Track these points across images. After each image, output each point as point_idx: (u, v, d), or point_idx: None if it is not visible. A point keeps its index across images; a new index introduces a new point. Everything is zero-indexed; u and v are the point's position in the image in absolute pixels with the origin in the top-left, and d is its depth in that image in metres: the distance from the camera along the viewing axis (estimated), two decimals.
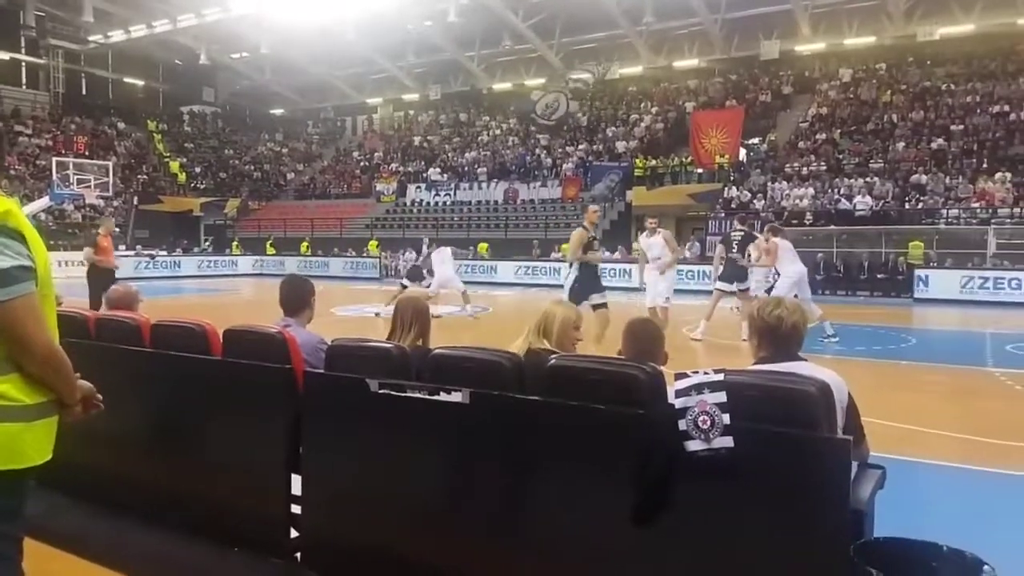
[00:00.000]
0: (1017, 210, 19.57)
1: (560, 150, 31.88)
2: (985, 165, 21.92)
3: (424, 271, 15.08)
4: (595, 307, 8.26)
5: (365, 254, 28.25)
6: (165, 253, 28.28)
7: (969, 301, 16.49)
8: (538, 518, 2.59)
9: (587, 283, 8.31)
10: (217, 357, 3.49)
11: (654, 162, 28.34)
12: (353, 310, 14.90)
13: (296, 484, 3.16)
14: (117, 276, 9.97)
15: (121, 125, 36.68)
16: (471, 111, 37.88)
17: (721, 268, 10.48)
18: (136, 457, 3.69)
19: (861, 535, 2.22)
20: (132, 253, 25.94)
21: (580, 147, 31.48)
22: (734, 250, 10.19)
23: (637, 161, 28.49)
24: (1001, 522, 4.04)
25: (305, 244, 30.22)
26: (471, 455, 2.75)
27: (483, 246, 25.78)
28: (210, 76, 39.82)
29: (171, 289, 20.67)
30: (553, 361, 2.63)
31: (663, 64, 31.08)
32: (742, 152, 26.96)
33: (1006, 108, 23.77)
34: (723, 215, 23.74)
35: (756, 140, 27.67)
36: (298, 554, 3.16)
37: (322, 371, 3.18)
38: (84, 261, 10.25)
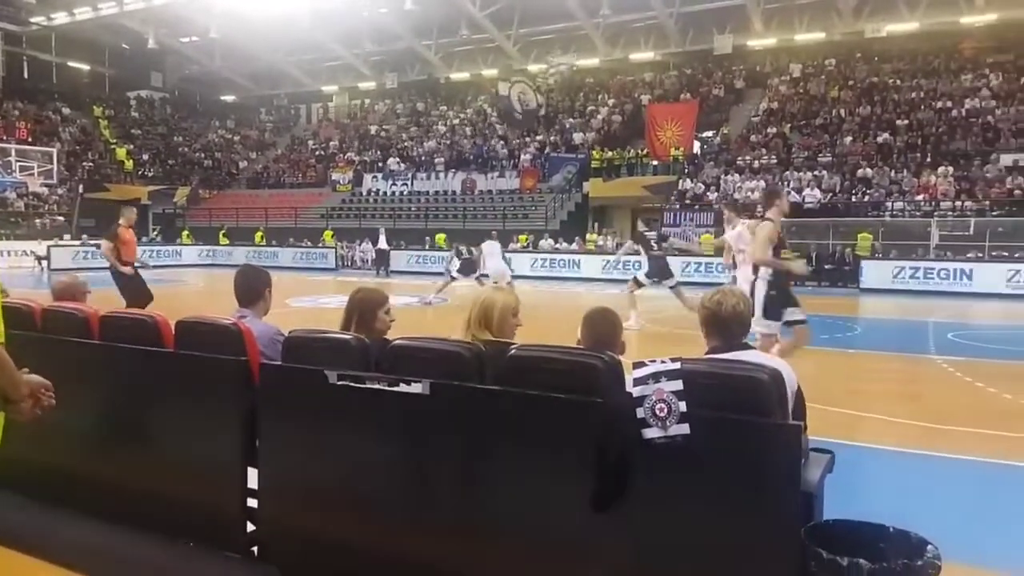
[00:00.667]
0: (959, 203, 20.29)
1: (517, 141, 31.90)
2: (928, 159, 22.68)
3: (477, 265, 15.09)
4: (792, 324, 6.33)
5: (321, 244, 27.88)
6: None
7: (913, 291, 17.07)
8: (499, 507, 2.60)
9: (783, 293, 6.28)
10: (169, 350, 3.41)
11: (611, 154, 28.58)
12: (308, 301, 14.70)
13: (253, 477, 3.12)
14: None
15: (66, 110, 35.44)
16: (428, 100, 37.59)
17: (647, 266, 10.41)
18: (87, 453, 3.59)
19: (812, 517, 2.30)
20: (78, 243, 25.14)
21: (538, 138, 31.55)
22: (654, 248, 10.15)
23: (594, 153, 28.70)
24: (943, 503, 4.21)
25: (260, 234, 29.69)
26: (432, 445, 2.75)
27: (441, 237, 25.68)
28: (158, 61, 38.69)
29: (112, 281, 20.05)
30: (514, 351, 2.64)
31: (619, 57, 31.29)
32: (696, 145, 27.37)
33: (948, 104, 24.60)
34: (678, 207, 24.11)
35: (710, 133, 28.12)
36: (255, 548, 3.12)
37: (279, 363, 3.14)
38: (105, 258, 9.17)
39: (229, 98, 42.41)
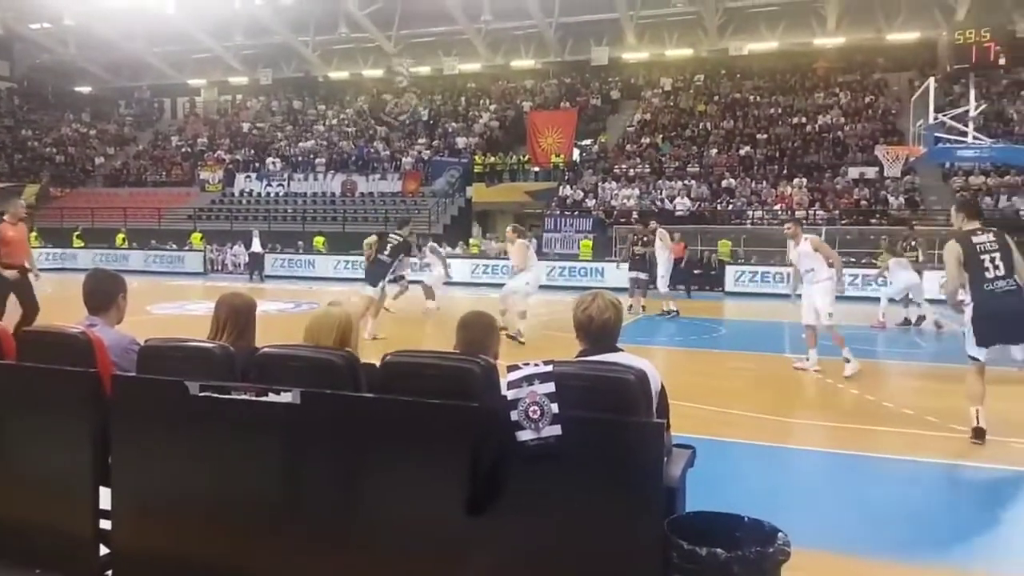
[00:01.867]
0: (812, 212, 21.98)
1: (399, 143, 31.59)
2: (785, 171, 24.48)
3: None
4: None
5: (188, 247, 26.39)
6: None
7: (771, 294, 18.29)
8: (374, 515, 2.56)
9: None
10: (11, 361, 3.15)
11: (493, 159, 28.87)
12: (174, 308, 13.84)
13: (105, 498, 2.91)
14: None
15: None
16: (306, 99, 36.49)
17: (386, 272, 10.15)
18: None
19: (674, 511, 2.41)
20: None
21: (420, 141, 31.38)
22: (385, 252, 9.93)
23: (476, 158, 28.89)
24: (796, 492, 4.54)
25: (121, 236, 27.65)
26: (303, 457, 2.66)
27: (319, 239, 24.99)
28: (5, 48, 35.51)
29: None
30: (388, 358, 2.61)
31: (501, 63, 31.67)
32: (575, 152, 28.16)
33: (803, 120, 26.68)
34: (558, 212, 24.68)
35: (588, 141, 29.02)
36: (109, 573, 2.92)
37: (133, 374, 2.95)
38: None
39: (85, 89, 39.31)
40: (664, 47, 28.97)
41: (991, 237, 5.29)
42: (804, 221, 21.29)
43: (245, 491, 2.72)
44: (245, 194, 31.10)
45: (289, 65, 34.27)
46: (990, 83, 23.76)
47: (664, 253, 13.24)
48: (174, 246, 26.65)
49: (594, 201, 24.96)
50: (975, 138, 11.73)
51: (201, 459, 2.78)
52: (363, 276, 10.62)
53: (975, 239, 5.25)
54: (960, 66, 11.26)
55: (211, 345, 2.90)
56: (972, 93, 11.87)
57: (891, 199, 21.96)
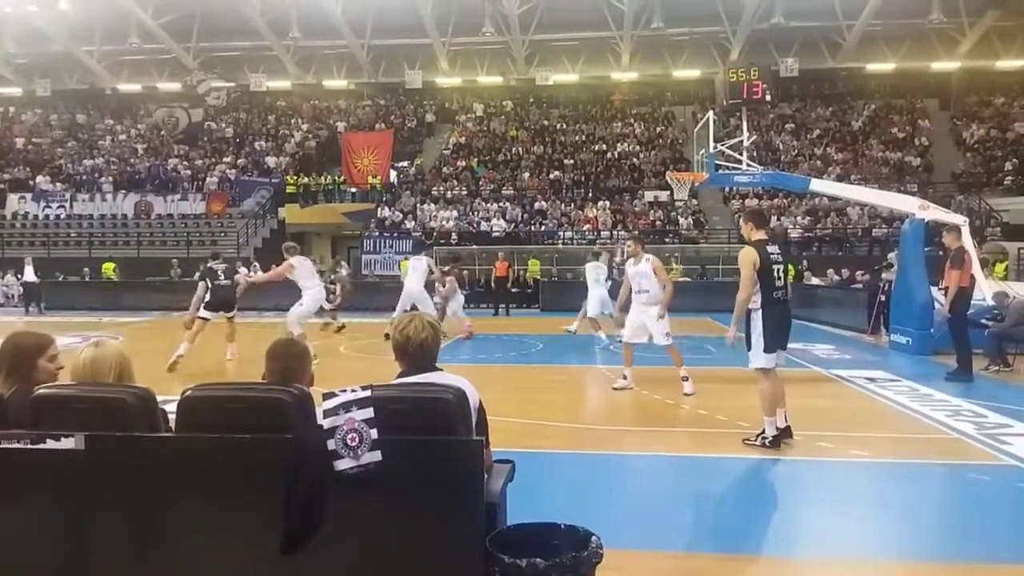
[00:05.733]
0: (615, 232, 23.55)
1: (201, 162, 29.65)
2: (590, 195, 26.08)
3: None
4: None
5: None
6: None
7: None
8: (178, 568, 2.36)
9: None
10: None
11: (307, 179, 27.98)
12: None
13: None
14: None
15: None
16: (91, 112, 33.19)
17: (208, 298, 10.00)
18: None
19: (496, 525, 2.46)
20: None
21: (225, 160, 29.66)
22: (220, 278, 9.98)
23: (288, 178, 27.85)
24: (610, 495, 4.79)
25: None
26: (93, 507, 2.39)
27: (109, 266, 22.71)
28: None
29: None
30: (188, 393, 2.42)
31: (312, 82, 30.83)
32: (392, 174, 28.05)
33: (604, 147, 28.59)
34: (377, 234, 24.42)
35: (405, 163, 29.04)
36: None
37: None
38: None
39: None
40: (476, 73, 29.77)
41: (777, 248, 5.75)
42: (608, 240, 22.90)
43: (23, 551, 2.39)
44: (19, 217, 27.63)
45: (72, 76, 30.96)
46: (760, 117, 27.00)
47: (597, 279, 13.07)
48: None
49: (413, 223, 25.00)
50: (748, 165, 13.16)
51: None
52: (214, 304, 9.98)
53: (769, 248, 5.62)
54: (734, 101, 12.60)
55: None
56: (744, 125, 13.32)
57: (681, 220, 24.16)
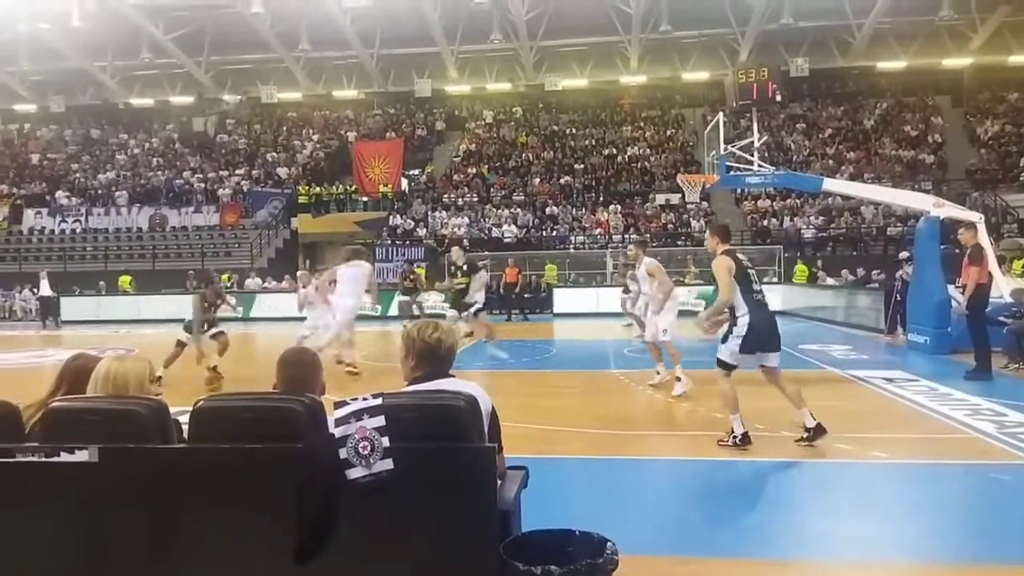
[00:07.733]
0: (627, 236, 23.49)
1: (214, 174, 29.90)
2: (601, 199, 26.03)
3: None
4: None
5: None
6: None
7: (595, 314, 19.25)
8: (193, 572, 2.35)
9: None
10: None
11: (318, 189, 28.14)
12: None
13: None
14: None
15: None
16: (105, 127, 33.56)
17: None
18: None
19: (510, 533, 2.44)
20: None
21: (238, 172, 29.90)
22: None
23: (300, 188, 28.03)
24: (625, 501, 4.75)
25: None
26: (109, 518, 2.40)
27: (125, 279, 22.92)
28: None
29: None
30: (200, 404, 2.43)
31: (322, 92, 31.05)
32: (404, 182, 28.15)
33: (614, 151, 28.55)
34: (389, 242, 24.50)
35: (416, 171, 29.14)
36: None
37: None
38: None
39: None
40: (485, 81, 29.86)
41: (746, 255, 5.90)
42: (620, 244, 22.83)
43: (41, 565, 2.40)
44: (36, 232, 27.96)
45: (85, 92, 31.37)
46: (770, 117, 26.88)
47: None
48: None
49: (425, 230, 25.06)
50: (760, 166, 13.09)
51: None
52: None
53: (739, 255, 5.77)
54: (744, 102, 12.57)
55: None
56: (755, 126, 13.28)
57: (693, 222, 24.05)
